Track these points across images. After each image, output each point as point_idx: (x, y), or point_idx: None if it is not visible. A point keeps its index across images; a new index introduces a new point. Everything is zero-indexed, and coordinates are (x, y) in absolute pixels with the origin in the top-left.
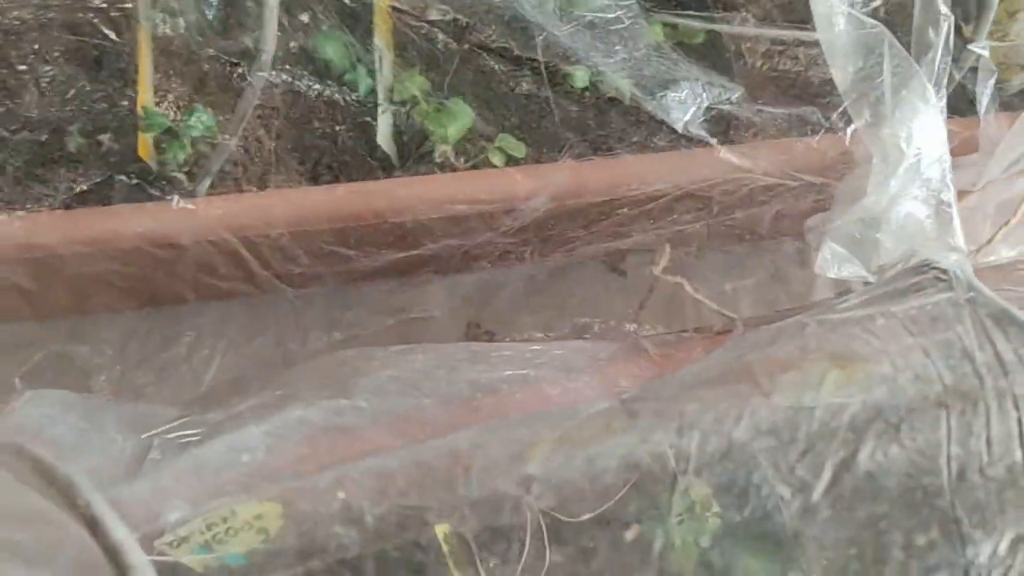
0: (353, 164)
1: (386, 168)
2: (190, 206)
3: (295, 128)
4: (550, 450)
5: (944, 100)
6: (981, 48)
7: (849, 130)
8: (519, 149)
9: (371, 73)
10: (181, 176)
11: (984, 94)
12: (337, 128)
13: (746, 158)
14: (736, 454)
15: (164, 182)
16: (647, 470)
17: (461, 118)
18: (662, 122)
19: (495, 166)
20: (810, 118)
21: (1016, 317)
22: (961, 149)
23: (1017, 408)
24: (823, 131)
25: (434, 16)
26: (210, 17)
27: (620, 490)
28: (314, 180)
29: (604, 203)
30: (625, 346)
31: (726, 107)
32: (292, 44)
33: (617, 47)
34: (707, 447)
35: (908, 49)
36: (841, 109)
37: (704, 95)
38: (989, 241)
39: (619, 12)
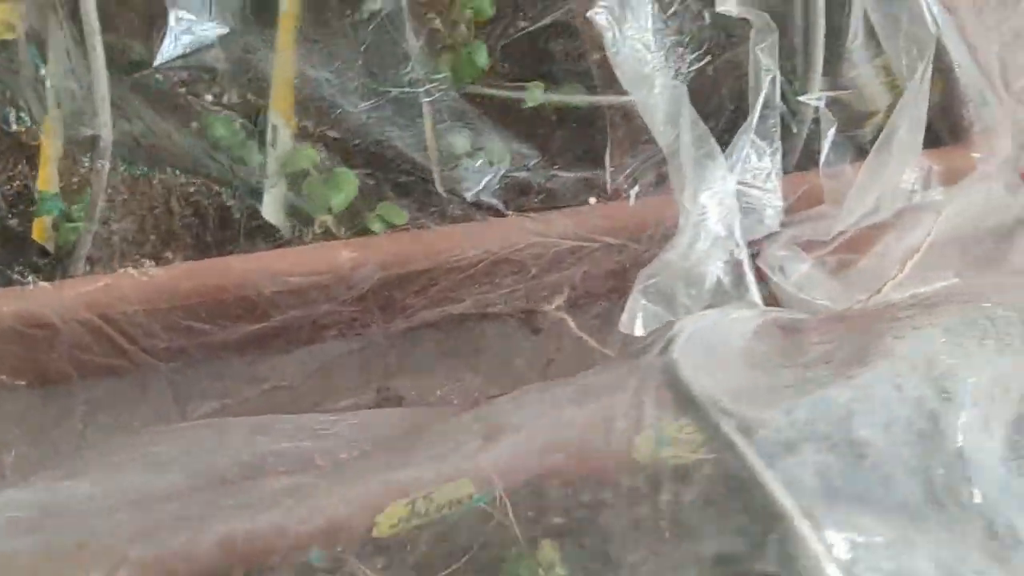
0: (242, 238)
1: (277, 241)
2: (47, 287)
3: (189, 205)
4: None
5: (778, 155)
6: (814, 100)
7: (632, 192)
8: (400, 216)
9: (263, 149)
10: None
11: (825, 145)
12: (228, 204)
13: (539, 223)
14: None
15: (59, 263)
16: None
17: (345, 188)
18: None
19: (375, 235)
20: (597, 181)
21: (692, 395)
22: (805, 203)
23: None
24: (608, 194)
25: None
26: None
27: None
28: (206, 256)
29: (427, 271)
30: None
31: (523, 174)
32: (194, 124)
33: (418, 120)
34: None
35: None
36: (628, 171)
37: (500, 164)
38: (878, 291)
39: (429, 86)
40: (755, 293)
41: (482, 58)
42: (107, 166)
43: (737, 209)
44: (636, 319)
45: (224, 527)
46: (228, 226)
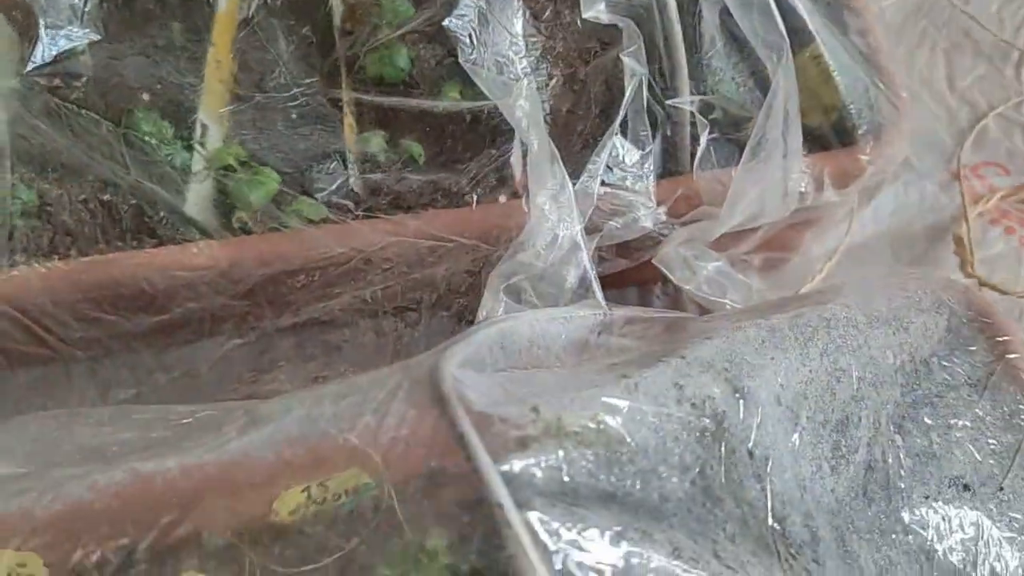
0: (166, 234)
1: (203, 236)
2: None
3: (121, 200)
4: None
5: (650, 157)
6: (685, 104)
7: (475, 195)
8: (319, 211)
9: (189, 147)
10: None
11: (699, 149)
12: (140, 203)
13: (391, 224)
14: None
15: None
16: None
17: (266, 184)
18: (456, 184)
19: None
20: (443, 184)
21: (441, 392)
22: (684, 205)
23: None
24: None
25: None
26: None
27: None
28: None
29: (299, 269)
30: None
31: (376, 176)
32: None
33: (279, 125)
34: None
35: None
36: (473, 176)
37: (353, 167)
38: (796, 292)
39: (296, 90)
40: (599, 293)
41: (403, 60)
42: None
43: (575, 211)
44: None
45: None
46: (141, 226)
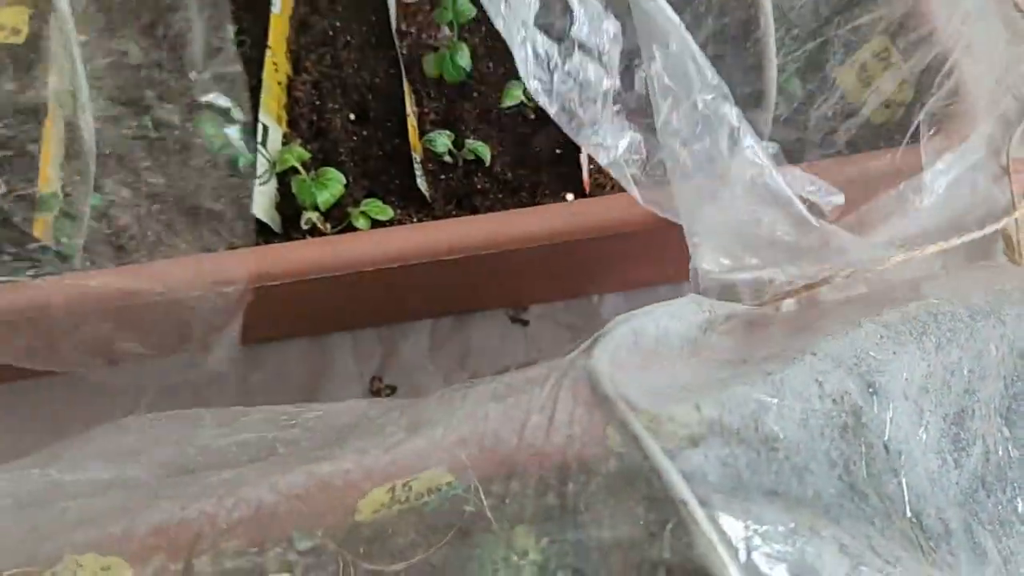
0: (236, 235)
1: (268, 237)
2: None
3: (185, 202)
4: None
5: None
6: None
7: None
8: (384, 212)
9: (251, 148)
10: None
11: None
12: (220, 200)
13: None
14: None
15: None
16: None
17: (332, 186)
18: (523, 184)
19: (359, 229)
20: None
21: (604, 392)
22: None
23: None
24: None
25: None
26: None
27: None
28: (203, 250)
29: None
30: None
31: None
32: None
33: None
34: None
35: None
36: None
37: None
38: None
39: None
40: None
41: (464, 59)
42: (91, 167)
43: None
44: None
45: (159, 515)
46: (222, 221)
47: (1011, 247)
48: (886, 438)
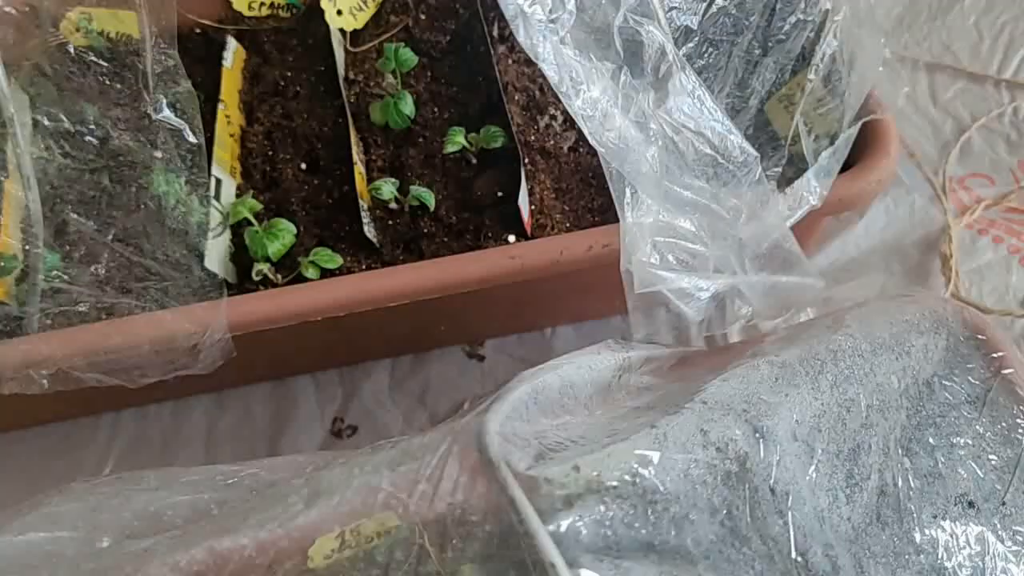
0: (187, 289)
1: (222, 291)
2: None
3: (141, 257)
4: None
5: None
6: None
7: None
8: (333, 260)
9: (204, 201)
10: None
11: None
12: (172, 255)
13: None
14: None
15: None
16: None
17: (283, 236)
18: (467, 227)
19: (308, 279)
20: (455, 227)
21: (488, 456)
22: None
23: None
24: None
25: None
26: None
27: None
28: (159, 305)
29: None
30: (337, 453)
31: (389, 223)
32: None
33: (289, 175)
34: None
35: None
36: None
37: (366, 215)
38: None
39: (303, 142)
40: None
41: (408, 107)
42: (39, 228)
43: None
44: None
45: None
46: (181, 277)
47: (947, 265)
48: (772, 481)
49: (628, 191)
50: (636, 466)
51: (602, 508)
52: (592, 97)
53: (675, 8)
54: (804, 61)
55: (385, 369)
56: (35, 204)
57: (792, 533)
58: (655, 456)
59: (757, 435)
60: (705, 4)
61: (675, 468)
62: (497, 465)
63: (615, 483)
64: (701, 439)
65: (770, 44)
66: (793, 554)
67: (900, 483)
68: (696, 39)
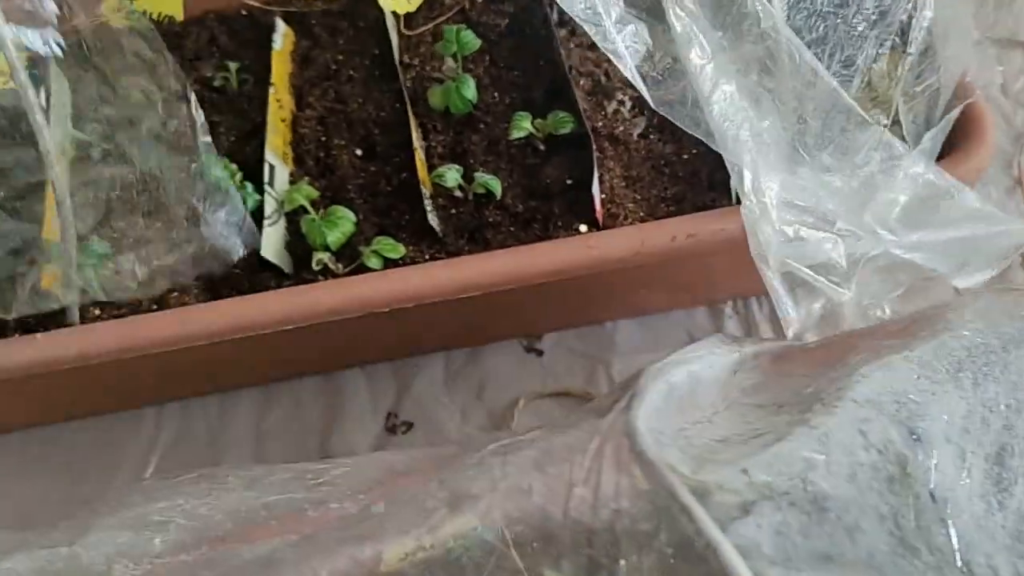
0: (244, 277)
1: (279, 279)
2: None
3: (190, 245)
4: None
5: None
6: None
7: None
8: (396, 250)
9: (259, 188)
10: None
11: None
12: (227, 243)
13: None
14: None
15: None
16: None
17: (342, 225)
18: (535, 216)
19: (372, 269)
20: (523, 217)
21: (648, 459)
22: None
23: None
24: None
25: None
26: None
27: None
28: (212, 295)
29: None
30: (430, 453)
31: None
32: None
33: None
34: None
35: None
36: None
37: (429, 203)
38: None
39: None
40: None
41: (470, 91)
42: (69, 217)
43: None
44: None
45: None
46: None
47: None
48: (932, 486)
49: (748, 173)
50: (805, 469)
51: (779, 516)
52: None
53: None
54: (903, 36)
55: (439, 363)
56: (62, 190)
57: (955, 542)
58: (821, 459)
59: (913, 436)
60: None
61: (841, 472)
62: (661, 470)
63: (787, 488)
64: (862, 441)
65: (874, 16)
66: (959, 564)
67: None
68: (806, 10)
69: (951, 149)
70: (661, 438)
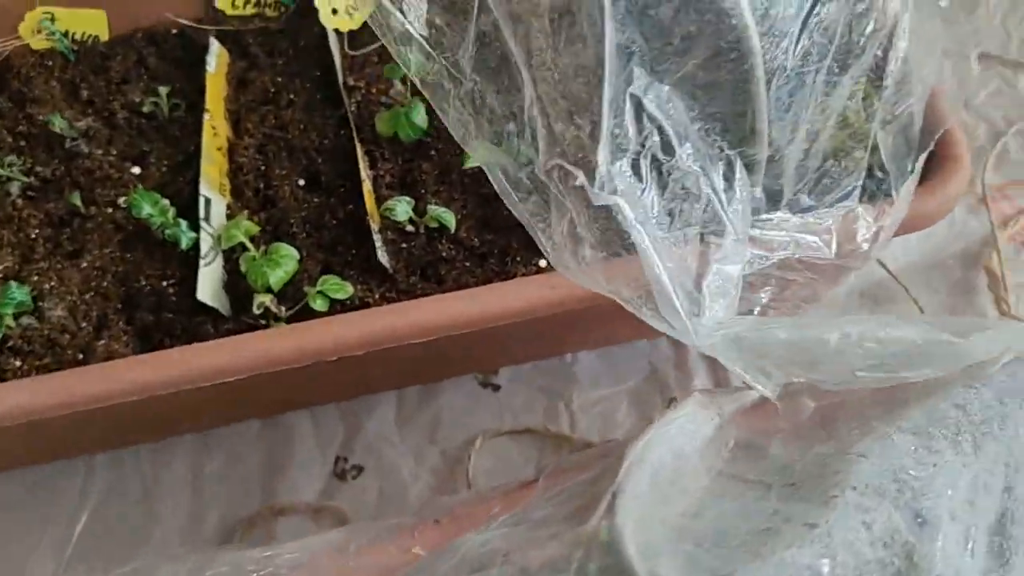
0: (179, 321)
1: (217, 322)
2: None
3: (123, 288)
4: None
5: None
6: None
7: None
8: (343, 290)
9: (194, 224)
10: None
11: None
12: (164, 285)
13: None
14: None
15: None
16: None
17: (285, 263)
18: (491, 250)
19: (318, 312)
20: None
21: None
22: None
23: None
24: None
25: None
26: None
27: None
28: (144, 340)
29: None
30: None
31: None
32: (122, 200)
33: (287, 194)
34: None
35: None
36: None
37: (378, 238)
38: None
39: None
40: None
41: (420, 116)
42: None
43: None
44: None
45: None
46: (165, 307)
47: (995, 280)
48: (936, 573)
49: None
50: None
51: None
52: None
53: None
54: (878, 71)
55: (390, 402)
56: None
57: None
58: (826, 565)
59: (919, 520)
60: (795, 43)
61: (848, 575)
62: None
63: None
64: (867, 535)
65: (849, 62)
66: None
67: None
68: (788, 79)
69: (927, 176)
70: (649, 546)
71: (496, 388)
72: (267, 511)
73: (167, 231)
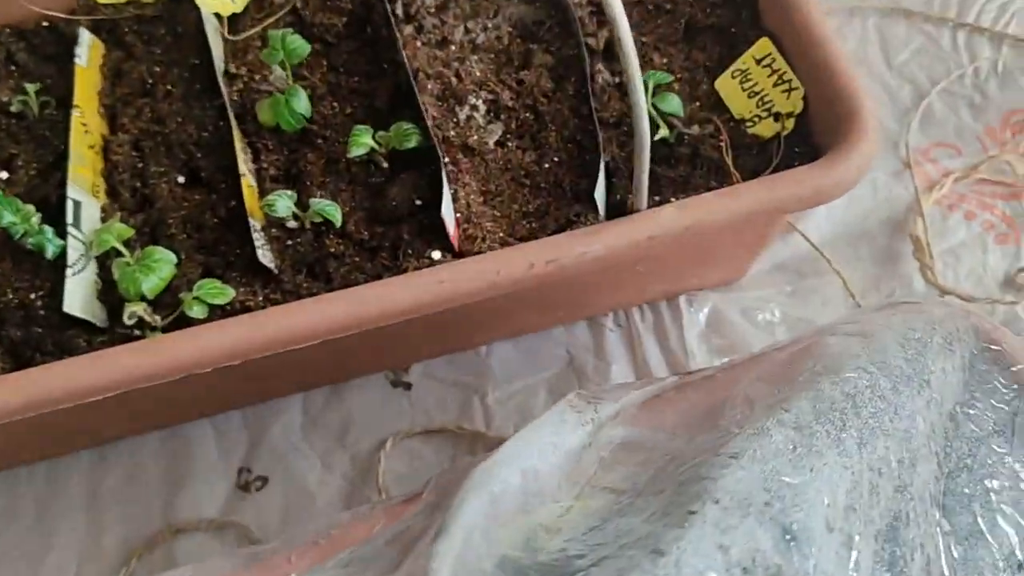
0: (50, 335)
1: (92, 335)
2: None
3: None
4: None
5: None
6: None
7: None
8: (224, 294)
9: (62, 232)
10: None
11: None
12: (32, 298)
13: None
14: None
15: None
16: None
17: (160, 269)
18: (382, 244)
19: (196, 319)
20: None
21: None
22: None
23: None
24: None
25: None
26: None
27: None
28: (15, 357)
29: None
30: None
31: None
32: None
33: (164, 192)
34: None
35: None
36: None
37: (260, 236)
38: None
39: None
40: None
41: (301, 104)
42: None
43: None
44: None
45: None
46: (34, 322)
47: (920, 248)
48: None
49: None
50: None
51: None
52: None
53: None
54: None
55: (296, 406)
56: None
57: None
58: None
59: (787, 537)
60: None
61: None
62: None
63: None
64: (722, 559)
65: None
66: None
67: (943, 555)
68: None
69: (829, 147)
70: None
71: (408, 386)
72: (167, 531)
73: (31, 239)
